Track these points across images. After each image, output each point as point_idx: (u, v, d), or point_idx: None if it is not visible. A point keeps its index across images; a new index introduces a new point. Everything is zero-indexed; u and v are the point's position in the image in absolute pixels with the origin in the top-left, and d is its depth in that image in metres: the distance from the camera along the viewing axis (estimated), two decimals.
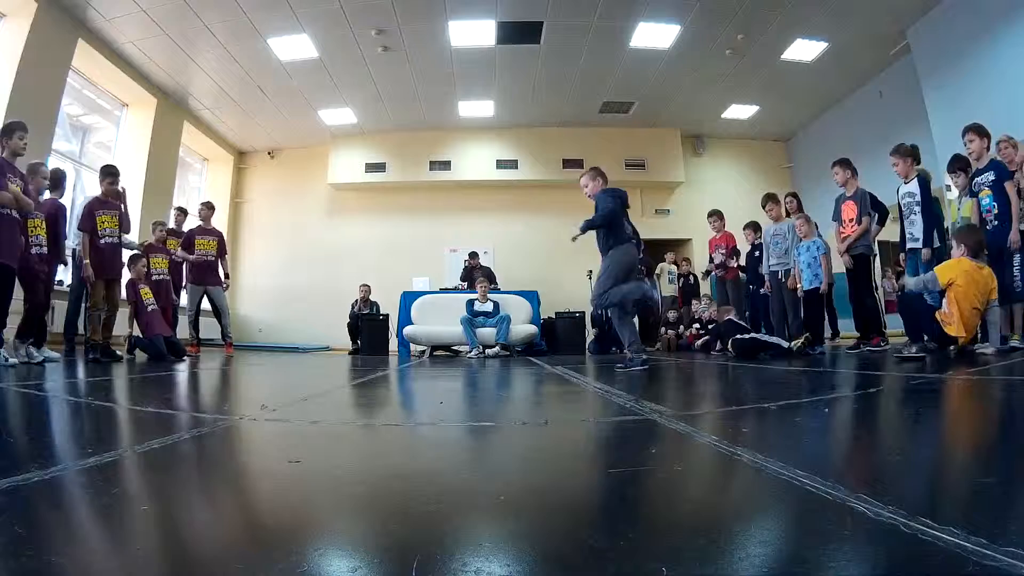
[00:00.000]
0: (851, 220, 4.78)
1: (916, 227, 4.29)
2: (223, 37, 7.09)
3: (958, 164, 4.46)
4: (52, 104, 6.34)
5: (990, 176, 3.97)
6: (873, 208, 4.83)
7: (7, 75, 5.75)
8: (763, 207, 5.54)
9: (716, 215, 6.47)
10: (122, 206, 4.95)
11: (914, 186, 4.36)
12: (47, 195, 4.64)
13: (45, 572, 0.57)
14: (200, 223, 6.65)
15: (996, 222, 3.95)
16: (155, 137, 8.23)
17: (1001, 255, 3.93)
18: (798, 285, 5.11)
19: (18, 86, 5.76)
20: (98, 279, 4.68)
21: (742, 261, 6.42)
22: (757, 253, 5.71)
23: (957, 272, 3.60)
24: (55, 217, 4.66)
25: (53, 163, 6.29)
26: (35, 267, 4.09)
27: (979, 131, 4.05)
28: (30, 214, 3.94)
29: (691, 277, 8.15)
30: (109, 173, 4.95)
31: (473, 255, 8.93)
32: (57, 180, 4.88)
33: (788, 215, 5.52)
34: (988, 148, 4.04)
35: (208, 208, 6.75)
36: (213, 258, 6.49)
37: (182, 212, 6.84)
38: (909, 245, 4.40)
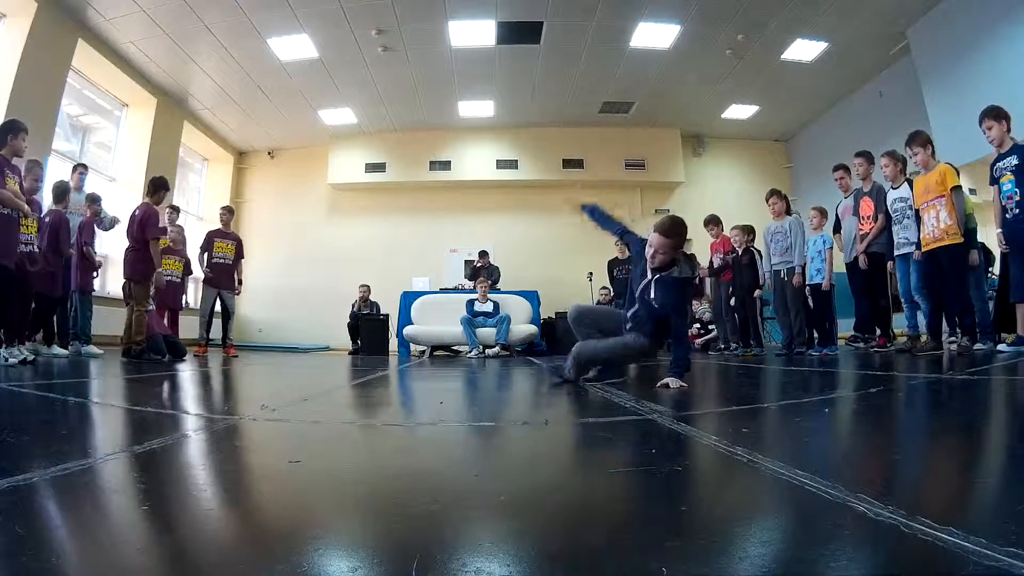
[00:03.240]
0: (869, 217, 4.75)
1: (910, 231, 4.26)
2: (223, 37, 7.09)
3: None
4: (52, 104, 6.34)
5: (1013, 160, 3.62)
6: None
7: (7, 75, 5.75)
8: (767, 200, 5.55)
9: (712, 222, 6.45)
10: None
11: (905, 191, 4.36)
12: (48, 204, 4.85)
13: (45, 572, 0.57)
14: (220, 226, 6.63)
15: (1017, 210, 3.61)
16: (155, 137, 8.23)
17: (1022, 247, 3.64)
18: (803, 280, 5.11)
19: (18, 86, 5.76)
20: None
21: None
22: (744, 259, 5.75)
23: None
24: (57, 228, 4.71)
25: (53, 163, 6.31)
26: (24, 267, 4.12)
27: (996, 115, 3.70)
28: (28, 215, 3.93)
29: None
30: (162, 186, 5.25)
31: (483, 254, 8.90)
32: (62, 193, 4.97)
33: (788, 213, 5.52)
34: (1009, 131, 3.71)
35: (228, 212, 6.75)
36: (231, 262, 6.49)
37: (175, 210, 6.79)
38: (902, 251, 4.38)
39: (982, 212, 4.67)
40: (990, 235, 4.46)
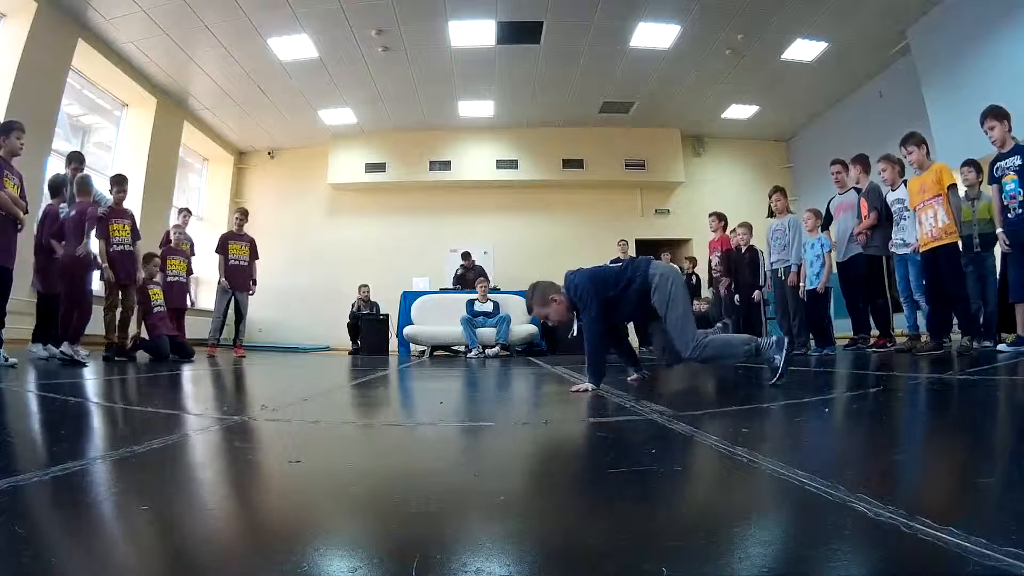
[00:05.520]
0: (867, 216, 4.79)
1: (907, 232, 4.27)
2: (223, 37, 7.09)
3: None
4: (52, 104, 6.34)
5: (1016, 160, 3.62)
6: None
7: (7, 75, 5.75)
8: (769, 197, 5.54)
9: (716, 217, 6.44)
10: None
11: (902, 192, 4.37)
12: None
13: (45, 572, 0.57)
14: (233, 228, 6.65)
15: (1020, 210, 3.59)
16: (155, 137, 8.24)
17: (1023, 246, 3.63)
18: (801, 283, 5.10)
19: (18, 86, 5.76)
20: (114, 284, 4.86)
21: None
22: (746, 257, 5.74)
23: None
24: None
25: (53, 163, 6.30)
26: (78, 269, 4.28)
27: (998, 115, 3.71)
28: (23, 222, 3.89)
29: (693, 277, 8.14)
30: (119, 182, 5.08)
31: (465, 255, 8.90)
32: (58, 187, 4.93)
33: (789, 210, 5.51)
34: (1010, 130, 3.71)
35: (242, 214, 6.76)
36: (246, 263, 6.52)
37: (188, 212, 6.81)
38: (901, 251, 4.39)
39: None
40: None
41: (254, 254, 6.60)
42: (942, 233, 3.86)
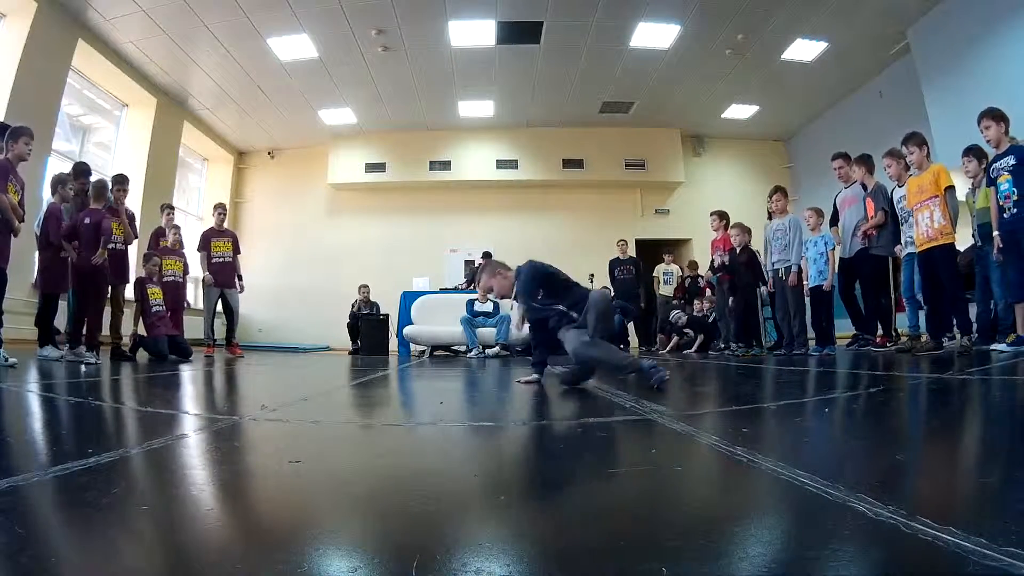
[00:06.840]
0: (872, 216, 4.79)
1: (913, 231, 4.27)
2: (223, 37, 7.09)
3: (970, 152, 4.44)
4: (52, 104, 6.34)
5: (1011, 160, 3.64)
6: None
7: (7, 75, 5.75)
8: (769, 197, 5.53)
9: (717, 215, 6.44)
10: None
11: (905, 191, 4.37)
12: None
13: (45, 572, 0.57)
14: (213, 225, 6.63)
15: (1015, 209, 3.61)
16: (155, 137, 8.24)
17: (1019, 246, 3.64)
18: (804, 282, 5.09)
19: (18, 86, 5.76)
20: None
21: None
22: (742, 258, 5.76)
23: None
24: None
25: (53, 163, 6.30)
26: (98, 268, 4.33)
27: (995, 116, 3.74)
28: (16, 231, 3.87)
29: (699, 279, 8.14)
30: (119, 181, 5.09)
31: (486, 255, 8.87)
32: (55, 184, 4.91)
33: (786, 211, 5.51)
34: (1007, 132, 3.75)
35: (223, 210, 6.73)
36: (231, 259, 6.50)
37: (170, 208, 6.71)
38: (908, 250, 4.39)
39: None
40: None
41: (236, 249, 6.56)
42: (938, 234, 3.88)
